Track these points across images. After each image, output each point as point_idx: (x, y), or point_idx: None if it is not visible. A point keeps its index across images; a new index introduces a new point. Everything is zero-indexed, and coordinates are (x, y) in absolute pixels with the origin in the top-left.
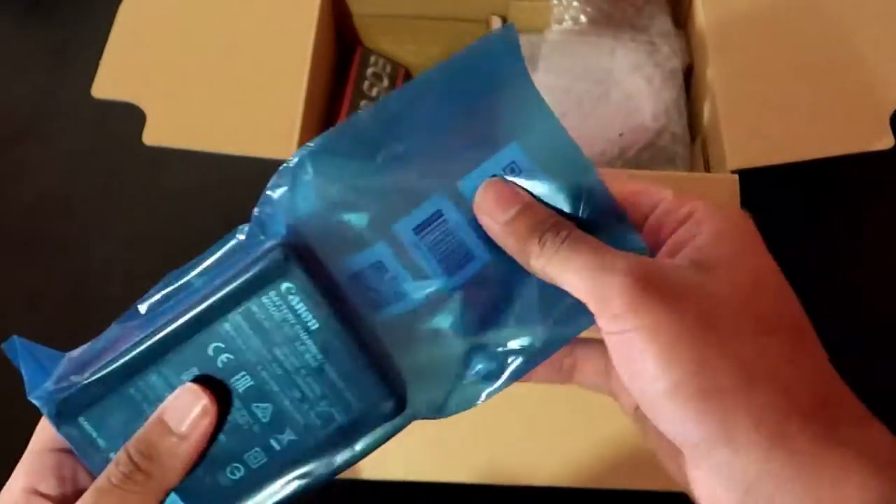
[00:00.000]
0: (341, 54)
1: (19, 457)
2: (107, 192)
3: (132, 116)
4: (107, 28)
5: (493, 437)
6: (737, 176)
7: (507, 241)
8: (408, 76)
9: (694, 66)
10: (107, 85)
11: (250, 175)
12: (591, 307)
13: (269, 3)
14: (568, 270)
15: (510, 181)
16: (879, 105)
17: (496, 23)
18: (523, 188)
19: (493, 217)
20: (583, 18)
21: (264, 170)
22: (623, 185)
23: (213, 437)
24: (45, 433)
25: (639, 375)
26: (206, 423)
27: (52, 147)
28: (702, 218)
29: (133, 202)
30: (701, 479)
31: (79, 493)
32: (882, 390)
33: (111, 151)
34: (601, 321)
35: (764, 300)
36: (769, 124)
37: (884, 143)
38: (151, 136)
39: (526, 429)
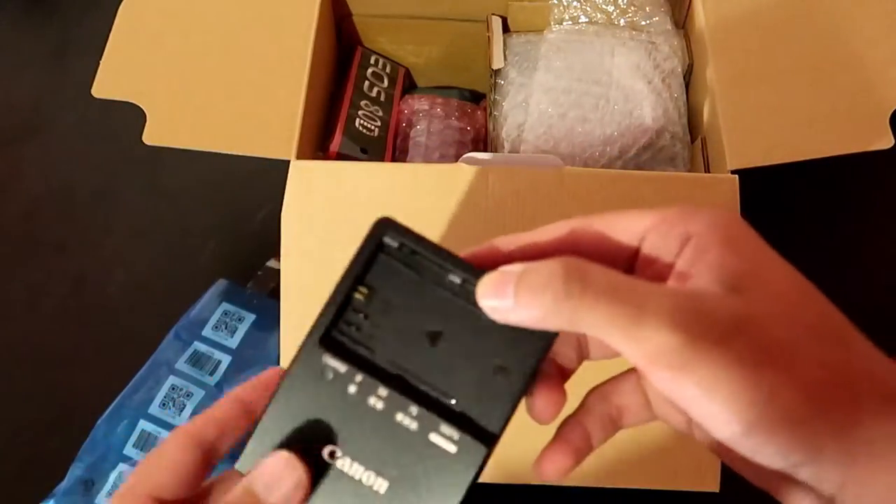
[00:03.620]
0: (341, 54)
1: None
2: (107, 191)
3: (132, 116)
4: (107, 28)
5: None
6: (737, 176)
7: (531, 310)
8: (408, 76)
9: (694, 66)
10: (107, 85)
11: (250, 175)
12: (638, 365)
13: (268, 3)
14: (600, 325)
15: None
16: (879, 105)
17: (496, 23)
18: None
19: (501, 306)
20: (583, 18)
21: (264, 170)
22: (593, 224)
23: None
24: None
25: (707, 420)
26: (299, 497)
27: (52, 147)
28: (702, 232)
29: (133, 201)
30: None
31: None
32: None
33: (111, 151)
34: (651, 376)
35: (803, 307)
36: (769, 124)
37: (884, 143)
38: (151, 135)
39: (527, 426)
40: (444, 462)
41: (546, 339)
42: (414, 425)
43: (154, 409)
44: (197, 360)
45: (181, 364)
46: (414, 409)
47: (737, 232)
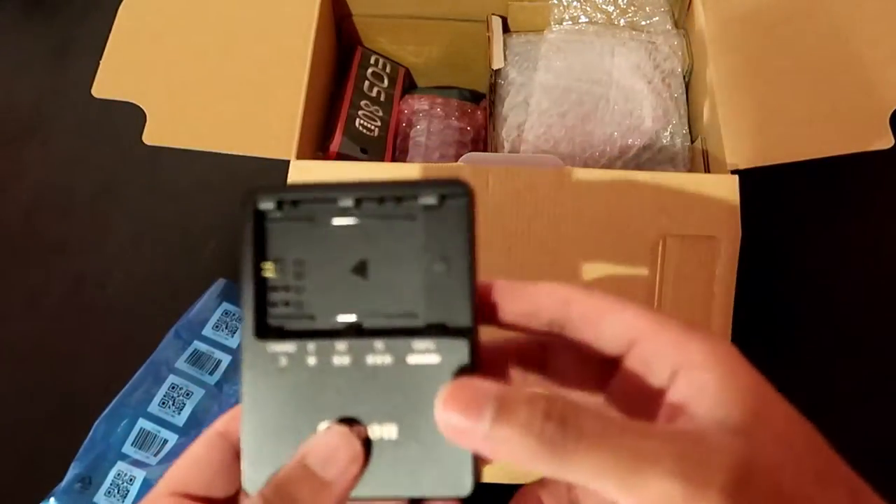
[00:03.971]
0: (341, 54)
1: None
2: (107, 191)
3: (132, 116)
4: (107, 28)
5: None
6: (737, 176)
7: (510, 448)
8: (408, 76)
9: (694, 66)
10: (107, 85)
11: (250, 174)
12: None
13: (268, 3)
14: (593, 475)
15: (465, 378)
16: (879, 105)
17: (496, 23)
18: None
19: (471, 428)
20: (583, 18)
21: (264, 169)
22: (586, 304)
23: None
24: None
25: None
26: (355, 471)
27: (52, 147)
28: (699, 364)
29: (133, 202)
30: None
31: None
32: (881, 388)
33: (111, 151)
34: None
35: (810, 453)
36: (769, 124)
37: (884, 142)
38: (151, 136)
39: None
40: (435, 375)
41: (464, 208)
42: (388, 359)
43: (153, 407)
44: (197, 359)
45: (181, 363)
46: (379, 345)
47: (736, 367)
